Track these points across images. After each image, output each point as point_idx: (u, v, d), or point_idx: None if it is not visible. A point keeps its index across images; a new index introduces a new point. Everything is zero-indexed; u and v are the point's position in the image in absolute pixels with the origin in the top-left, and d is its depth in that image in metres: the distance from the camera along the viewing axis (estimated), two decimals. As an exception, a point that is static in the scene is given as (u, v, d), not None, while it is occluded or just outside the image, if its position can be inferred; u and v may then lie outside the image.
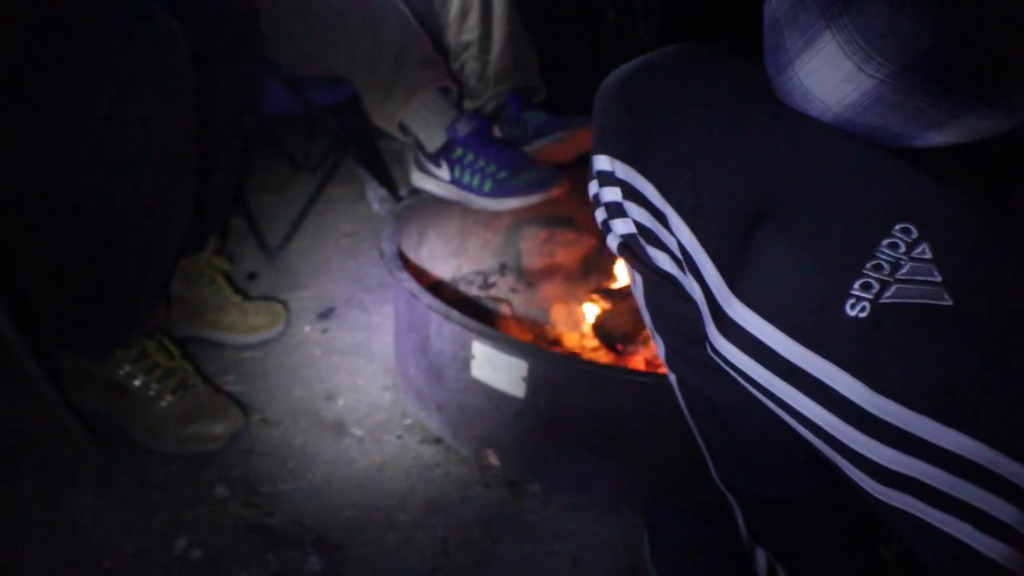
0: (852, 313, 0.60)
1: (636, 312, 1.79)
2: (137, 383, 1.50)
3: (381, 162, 2.56)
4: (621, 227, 0.84)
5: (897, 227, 0.61)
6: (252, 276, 2.13)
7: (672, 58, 0.82)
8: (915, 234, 0.60)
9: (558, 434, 1.44)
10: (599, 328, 1.79)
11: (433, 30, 2.10)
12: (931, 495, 0.60)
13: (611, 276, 2.07)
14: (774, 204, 0.66)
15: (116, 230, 1.32)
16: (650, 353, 1.75)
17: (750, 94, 0.74)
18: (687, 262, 0.73)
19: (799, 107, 0.69)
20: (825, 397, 0.62)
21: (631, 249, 0.85)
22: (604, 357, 1.76)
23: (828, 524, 0.95)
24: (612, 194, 0.83)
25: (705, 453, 1.00)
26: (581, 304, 1.96)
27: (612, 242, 0.87)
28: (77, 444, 1.47)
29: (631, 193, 0.80)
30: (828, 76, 0.65)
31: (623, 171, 0.81)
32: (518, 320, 1.89)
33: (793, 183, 0.66)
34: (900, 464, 0.60)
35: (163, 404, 1.50)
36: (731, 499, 1.01)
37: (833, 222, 0.63)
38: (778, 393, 0.66)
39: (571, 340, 1.82)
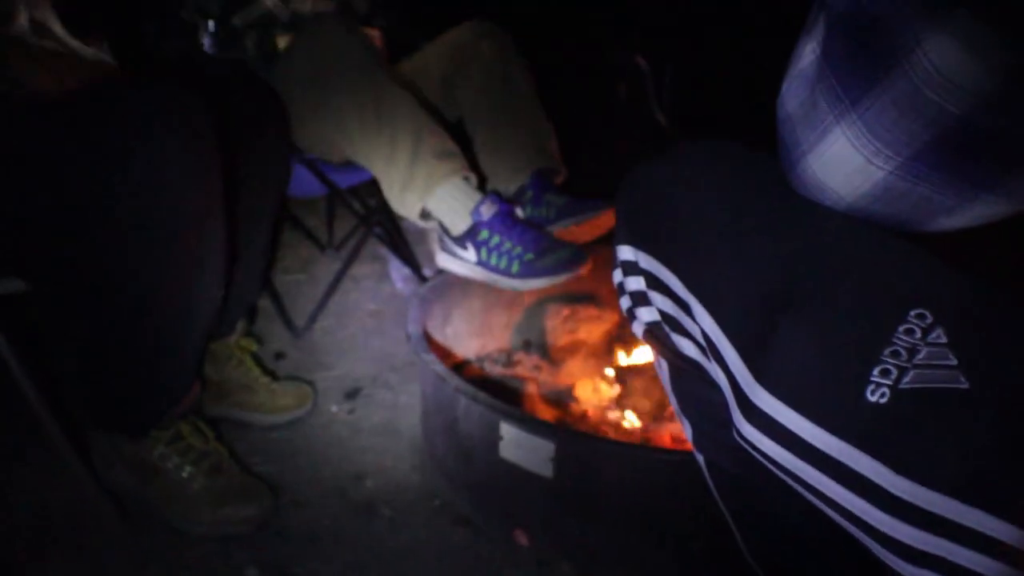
0: (873, 399, 0.62)
1: (659, 388, 1.80)
2: (171, 465, 1.51)
3: (404, 241, 2.60)
4: (646, 315, 0.87)
5: (912, 313, 0.62)
6: (279, 356, 2.16)
7: (693, 153, 0.86)
8: (929, 319, 0.62)
9: (588, 513, 1.44)
10: (624, 404, 1.80)
11: (449, 121, 2.16)
12: (960, 573, 0.61)
13: (633, 352, 2.09)
14: (794, 293, 0.68)
15: (147, 312, 1.34)
16: (676, 429, 1.76)
17: (768, 186, 0.77)
18: (711, 349, 0.75)
19: (814, 197, 0.72)
20: (850, 480, 0.64)
21: (656, 336, 0.87)
22: (630, 434, 1.77)
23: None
24: (636, 283, 0.86)
25: (735, 532, 1.00)
26: (606, 380, 1.97)
27: (638, 329, 0.89)
28: (107, 526, 1.49)
29: (655, 283, 0.83)
30: (840, 169, 0.68)
31: (647, 262, 0.84)
32: (543, 398, 1.90)
33: (811, 272, 0.69)
34: (927, 544, 0.61)
35: (196, 486, 1.51)
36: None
37: (851, 310, 0.65)
38: (804, 477, 0.68)
39: (596, 417, 1.83)
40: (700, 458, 0.97)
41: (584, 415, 1.84)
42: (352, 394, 2.00)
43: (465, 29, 2.16)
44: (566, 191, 2.12)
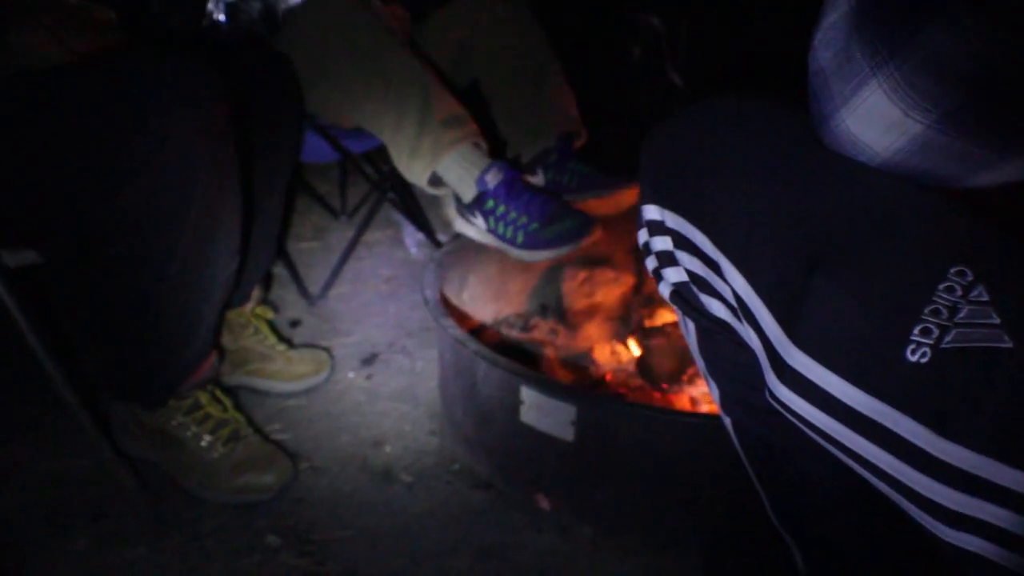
0: (913, 359, 0.60)
1: (679, 350, 1.79)
2: (189, 434, 1.51)
3: (418, 207, 2.58)
4: (673, 275, 0.85)
5: (952, 270, 0.61)
6: (295, 324, 2.15)
7: (717, 109, 0.83)
8: (970, 276, 0.60)
9: (609, 476, 1.43)
10: (643, 367, 1.79)
11: (458, 87, 2.13)
12: (1000, 536, 0.60)
13: (652, 314, 2.07)
14: (828, 251, 0.67)
15: (162, 281, 1.33)
16: (696, 391, 1.74)
17: (798, 142, 0.75)
18: (742, 310, 0.74)
19: (848, 153, 0.70)
20: (889, 442, 0.62)
21: (683, 297, 0.86)
22: (650, 396, 1.76)
23: (888, 562, 0.93)
24: (663, 243, 0.84)
25: (762, 494, 0.99)
26: (624, 343, 1.96)
27: (664, 290, 0.87)
28: (128, 496, 1.49)
29: (682, 242, 0.81)
30: (875, 123, 0.66)
31: (673, 220, 0.82)
32: (561, 362, 1.89)
33: (846, 229, 0.67)
34: (967, 506, 0.60)
35: (215, 455, 1.51)
36: (789, 540, 1.00)
37: (889, 268, 0.64)
38: (841, 439, 0.66)
39: (616, 380, 1.82)
40: (727, 420, 0.96)
41: (603, 378, 1.83)
42: (369, 360, 2.00)
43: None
44: (584, 154, 2.10)
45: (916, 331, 0.60)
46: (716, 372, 0.92)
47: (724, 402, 0.94)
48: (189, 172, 1.25)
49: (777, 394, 0.70)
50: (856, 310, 0.64)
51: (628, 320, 2.08)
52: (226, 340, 1.80)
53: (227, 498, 1.49)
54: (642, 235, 0.88)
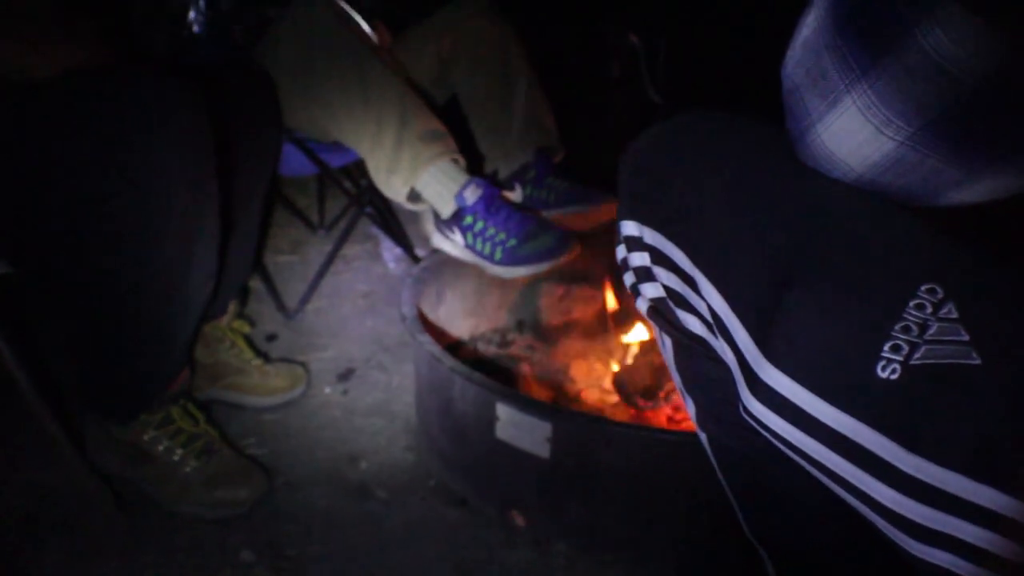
0: (884, 375, 0.61)
1: (655, 367, 1.79)
2: (161, 448, 1.50)
3: (396, 221, 2.58)
4: (650, 291, 0.85)
5: (923, 288, 0.62)
6: (271, 338, 2.14)
7: (695, 124, 0.84)
8: (940, 294, 0.61)
9: (584, 493, 1.43)
10: (619, 384, 1.79)
11: (437, 103, 2.14)
12: (969, 552, 0.61)
13: (629, 331, 2.08)
14: (802, 267, 0.67)
15: (137, 296, 1.33)
16: (672, 409, 1.75)
17: (773, 159, 0.76)
18: (718, 326, 0.74)
19: (823, 169, 0.71)
20: (859, 457, 0.63)
21: (661, 313, 0.86)
22: (626, 413, 1.76)
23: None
24: (640, 259, 0.85)
25: (736, 508, 0.99)
26: (600, 360, 1.97)
27: (642, 306, 0.88)
28: (102, 510, 1.48)
29: (660, 258, 0.82)
30: (850, 139, 0.67)
31: (651, 236, 0.83)
32: (538, 378, 1.90)
33: (819, 246, 0.68)
34: (935, 521, 0.61)
35: (188, 469, 1.50)
36: (762, 553, 1.00)
37: (860, 285, 0.65)
38: (812, 453, 0.67)
39: (592, 396, 1.83)
40: (703, 436, 0.96)
41: (579, 395, 1.83)
42: (345, 375, 1.99)
43: (461, 7, 2.14)
44: (562, 169, 2.12)
45: (887, 347, 0.61)
46: (692, 388, 0.92)
47: (700, 418, 0.94)
48: (168, 191, 1.25)
49: (751, 409, 0.70)
50: (828, 326, 0.64)
51: (605, 337, 2.08)
52: (201, 354, 1.80)
53: (200, 512, 1.48)
54: (620, 251, 0.89)
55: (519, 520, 1.50)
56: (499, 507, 1.52)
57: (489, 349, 2.02)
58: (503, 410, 1.43)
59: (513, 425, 1.43)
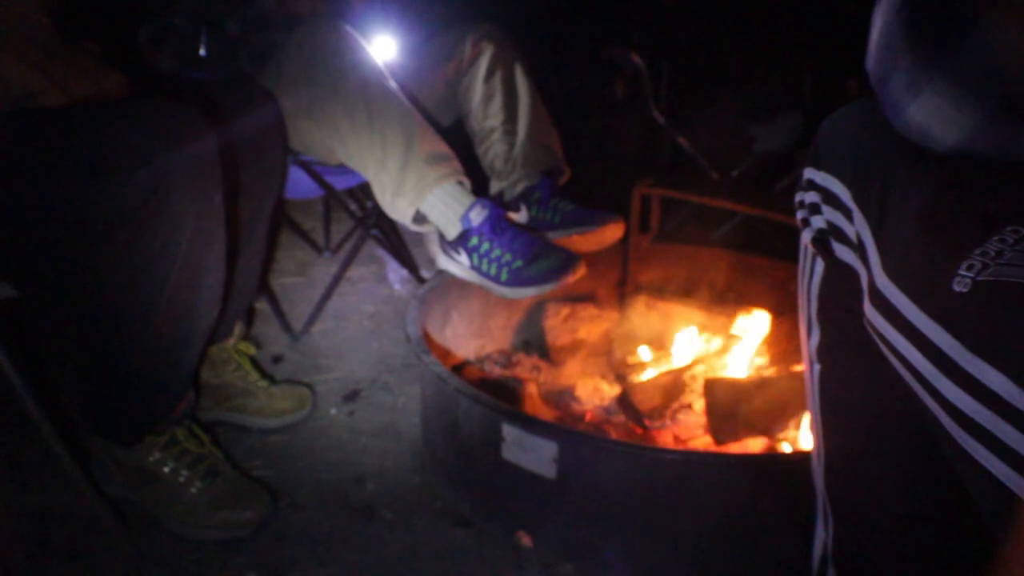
0: (958, 288, 0.72)
1: (662, 387, 1.79)
2: (167, 470, 1.50)
3: (402, 243, 2.59)
4: (818, 222, 0.99)
5: (1009, 228, 0.73)
6: (277, 359, 2.14)
7: (872, 104, 0.96)
8: (1022, 233, 0.72)
9: (591, 514, 1.43)
10: (625, 403, 1.79)
11: (442, 125, 2.15)
12: (1007, 455, 0.69)
13: (634, 351, 2.08)
14: (927, 201, 0.80)
15: (145, 320, 1.33)
16: (678, 428, 1.75)
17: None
18: (860, 250, 0.88)
19: (920, 142, 0.83)
20: (932, 353, 0.75)
21: (821, 242, 0.99)
22: (632, 434, 1.76)
23: (917, 560, 1.02)
24: (814, 197, 0.99)
25: (821, 455, 1.06)
26: (606, 380, 1.96)
27: (807, 236, 1.02)
28: (107, 532, 1.47)
29: (829, 197, 0.96)
30: (936, 120, 0.79)
31: (827, 180, 0.97)
32: (543, 398, 1.89)
33: (939, 186, 0.81)
34: (984, 418, 0.70)
35: (193, 491, 1.50)
36: (828, 513, 1.06)
37: (959, 221, 0.77)
38: (901, 350, 0.79)
39: (598, 417, 1.82)
40: (816, 368, 1.05)
41: (585, 415, 1.83)
42: (351, 396, 1.99)
43: (466, 31, 2.15)
44: (567, 191, 2.12)
45: (964, 267, 0.73)
46: (824, 315, 1.03)
47: (821, 347, 1.04)
48: (176, 220, 1.26)
49: (869, 316, 0.84)
50: (927, 248, 0.78)
51: (610, 356, 2.08)
52: (207, 375, 1.80)
53: (206, 534, 1.48)
54: (799, 194, 1.03)
55: (526, 541, 1.49)
56: (506, 528, 1.52)
57: (495, 370, 2.02)
58: (509, 431, 1.43)
59: (519, 446, 1.42)
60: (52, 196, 1.22)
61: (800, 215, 1.04)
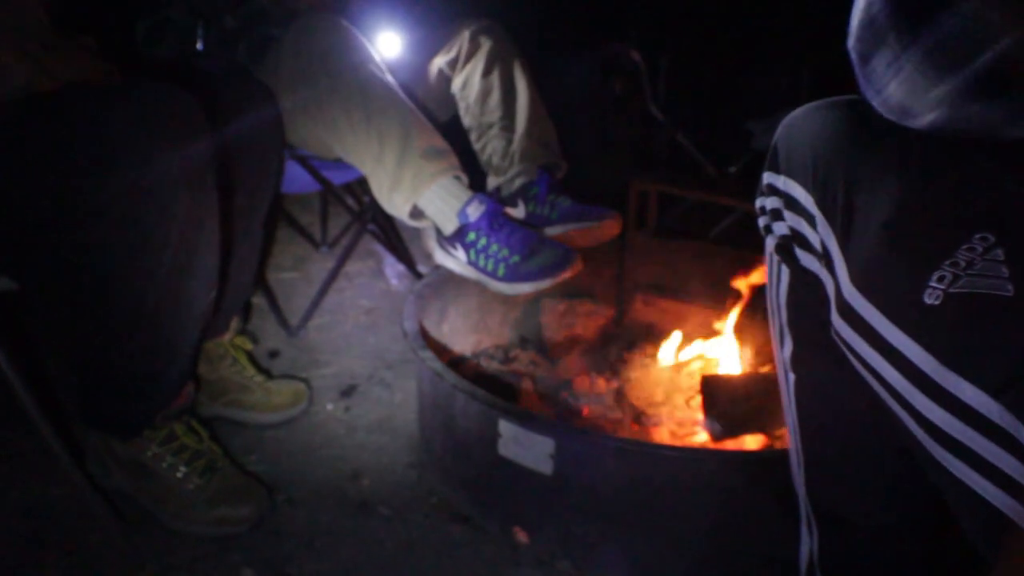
0: (929, 301, 0.72)
1: (656, 383, 1.79)
2: (164, 465, 1.50)
3: (399, 238, 2.59)
4: (780, 229, 0.99)
5: (977, 236, 0.72)
6: (274, 354, 2.14)
7: (835, 103, 0.98)
8: (992, 241, 0.71)
9: (587, 510, 1.43)
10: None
11: (440, 120, 2.14)
12: (986, 468, 0.69)
13: (632, 346, 2.08)
14: (892, 212, 0.80)
15: (140, 308, 1.33)
16: (674, 425, 1.75)
17: (871, 129, 0.89)
18: (825, 260, 0.88)
19: (898, 118, 0.83)
20: (906, 368, 0.74)
21: (785, 249, 0.98)
22: (628, 430, 1.76)
23: (901, 563, 1.02)
24: (776, 203, 0.99)
25: (801, 463, 1.06)
26: (602, 376, 1.96)
27: (770, 243, 1.02)
28: (103, 527, 1.47)
29: (791, 203, 0.95)
30: (914, 94, 0.78)
31: (788, 185, 0.96)
32: (540, 394, 1.89)
33: (906, 195, 0.80)
34: (958, 430, 0.69)
35: (190, 486, 1.49)
36: (811, 521, 1.06)
37: (927, 230, 0.77)
38: (873, 364, 0.78)
39: (595, 412, 1.82)
40: (791, 378, 1.04)
41: (582, 411, 1.83)
42: (347, 392, 1.99)
43: (463, 26, 2.15)
44: (564, 186, 2.12)
45: (934, 278, 0.72)
46: (796, 324, 1.02)
47: (794, 356, 1.03)
48: (167, 206, 1.25)
49: (838, 328, 0.83)
50: (896, 260, 0.77)
51: (607, 352, 2.08)
52: (204, 370, 1.79)
53: (202, 530, 1.48)
54: (760, 200, 1.03)
55: (522, 537, 1.49)
56: (502, 524, 1.52)
57: (492, 365, 2.02)
58: (505, 427, 1.43)
59: (515, 442, 1.42)
60: (44, 188, 1.21)
61: (762, 222, 1.04)
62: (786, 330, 1.03)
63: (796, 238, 0.95)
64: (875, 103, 0.85)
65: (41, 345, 1.42)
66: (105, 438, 1.51)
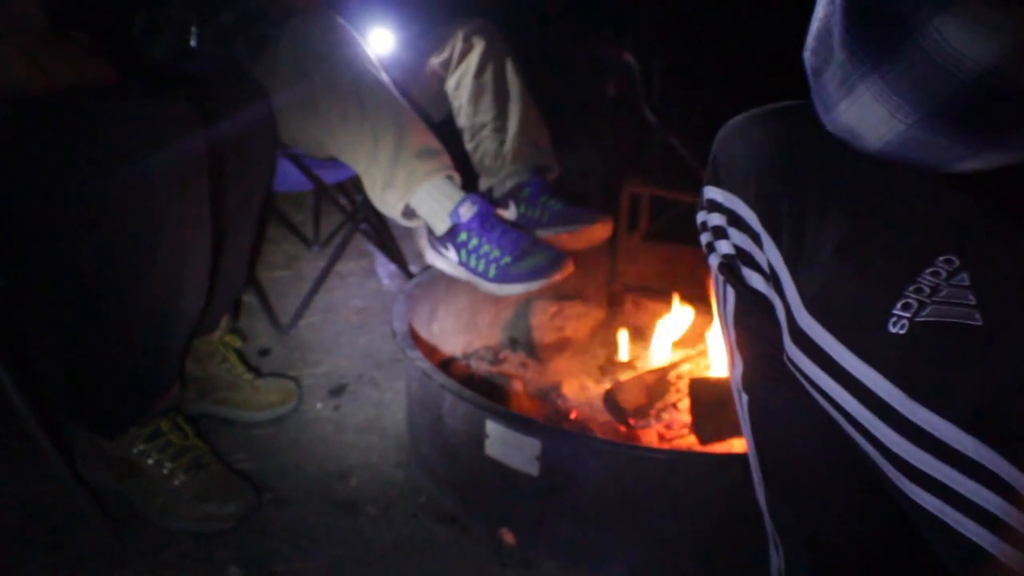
0: (894, 330, 0.68)
1: (648, 385, 1.79)
2: (151, 462, 1.50)
3: (391, 238, 2.59)
4: (724, 247, 0.94)
5: (941, 259, 0.69)
6: (264, 353, 2.14)
7: (779, 111, 0.94)
8: (956, 264, 0.68)
9: (573, 512, 1.43)
10: (611, 402, 1.79)
11: (433, 120, 2.15)
12: (958, 501, 0.66)
13: (620, 350, 2.08)
14: (847, 232, 0.76)
15: (129, 307, 1.33)
16: (662, 427, 1.75)
17: (822, 140, 0.84)
18: (773, 281, 0.84)
19: (848, 141, 0.79)
20: (869, 400, 0.71)
21: (730, 268, 0.95)
22: (616, 432, 1.76)
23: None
24: (719, 220, 0.94)
25: (761, 485, 1.04)
26: (592, 378, 1.97)
27: (714, 261, 0.97)
28: (89, 523, 1.47)
29: (734, 219, 0.91)
30: (866, 120, 0.74)
31: (731, 200, 0.92)
32: (529, 395, 1.89)
33: (861, 215, 0.77)
34: (931, 467, 0.67)
35: (176, 483, 1.49)
36: (777, 540, 1.04)
37: (886, 253, 0.73)
38: (832, 394, 0.75)
39: (582, 415, 1.82)
40: (744, 399, 1.01)
41: (570, 413, 1.83)
42: (337, 391, 1.99)
43: (458, 26, 2.15)
44: (556, 189, 2.12)
45: (899, 306, 0.69)
46: (745, 345, 0.99)
47: (745, 377, 1.00)
48: (160, 208, 1.26)
49: (790, 354, 0.80)
50: (855, 285, 0.74)
51: (597, 354, 2.09)
52: (193, 368, 1.79)
53: (188, 527, 1.48)
54: (701, 215, 0.99)
55: (509, 538, 1.49)
56: (489, 525, 1.52)
57: (481, 366, 2.02)
58: (492, 427, 1.43)
59: (502, 442, 1.43)
60: (37, 189, 1.22)
61: (704, 239, 1.00)
62: (736, 351, 1.00)
63: (742, 256, 0.91)
64: (823, 120, 0.81)
65: (28, 341, 1.42)
66: (91, 435, 1.51)
